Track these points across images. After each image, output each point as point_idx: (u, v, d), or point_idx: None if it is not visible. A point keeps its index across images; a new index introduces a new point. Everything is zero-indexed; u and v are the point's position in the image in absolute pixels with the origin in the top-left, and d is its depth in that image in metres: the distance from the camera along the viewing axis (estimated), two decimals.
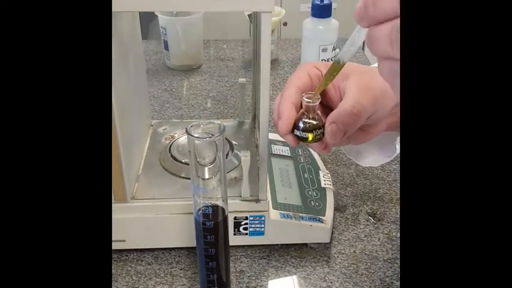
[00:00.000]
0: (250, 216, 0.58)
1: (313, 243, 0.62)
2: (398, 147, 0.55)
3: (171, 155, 0.65)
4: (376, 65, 0.41)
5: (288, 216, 0.59)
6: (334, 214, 0.64)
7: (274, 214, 0.59)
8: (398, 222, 0.66)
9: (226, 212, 0.48)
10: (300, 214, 0.60)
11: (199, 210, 0.47)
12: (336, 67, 0.41)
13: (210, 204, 0.46)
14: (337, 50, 0.95)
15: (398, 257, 0.60)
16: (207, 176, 0.45)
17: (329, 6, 0.91)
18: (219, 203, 0.47)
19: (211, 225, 0.47)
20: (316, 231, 0.60)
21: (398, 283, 0.57)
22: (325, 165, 0.72)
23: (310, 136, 0.45)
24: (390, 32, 0.29)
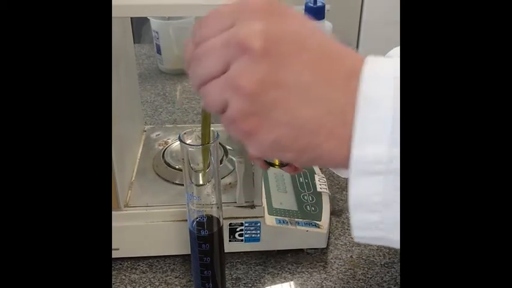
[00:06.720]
0: (246, 222, 0.58)
1: (310, 248, 0.61)
2: None
3: (165, 161, 0.64)
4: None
5: (283, 222, 0.59)
6: (330, 219, 0.63)
7: (269, 220, 0.58)
8: None
9: (221, 220, 0.47)
10: (296, 219, 0.59)
11: (193, 220, 0.46)
12: (206, 114, 0.41)
13: (204, 213, 0.46)
14: None
15: (396, 261, 0.60)
16: (201, 182, 0.44)
17: (322, 8, 0.90)
18: (214, 209, 0.46)
19: (206, 234, 0.46)
20: (312, 237, 0.60)
21: None
22: (320, 169, 0.71)
23: (276, 161, 0.46)
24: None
